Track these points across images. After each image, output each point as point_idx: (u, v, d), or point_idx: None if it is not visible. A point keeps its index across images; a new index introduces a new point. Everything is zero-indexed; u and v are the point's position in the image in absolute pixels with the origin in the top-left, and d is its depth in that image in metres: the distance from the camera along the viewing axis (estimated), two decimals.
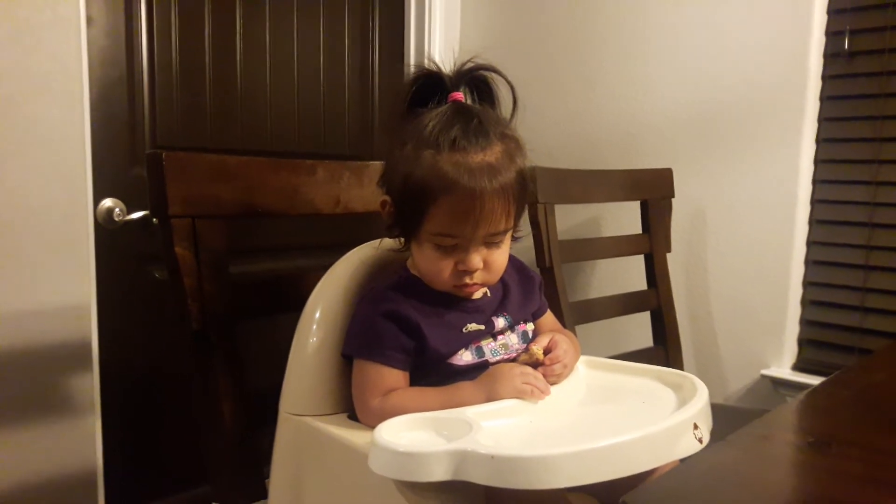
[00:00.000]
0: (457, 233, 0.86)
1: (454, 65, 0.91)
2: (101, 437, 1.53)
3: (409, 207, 0.87)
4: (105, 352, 1.53)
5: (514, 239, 0.95)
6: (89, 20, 1.47)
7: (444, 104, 0.89)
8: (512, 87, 0.93)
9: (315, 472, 0.92)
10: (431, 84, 0.90)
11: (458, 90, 0.90)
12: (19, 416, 1.42)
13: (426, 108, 0.90)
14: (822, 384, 0.67)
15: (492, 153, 0.86)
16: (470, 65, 0.91)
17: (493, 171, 0.85)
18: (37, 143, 1.40)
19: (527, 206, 1.47)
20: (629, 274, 1.90)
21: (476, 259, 0.88)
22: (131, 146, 1.58)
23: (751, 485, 0.47)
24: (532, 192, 1.47)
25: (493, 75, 0.93)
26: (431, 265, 0.89)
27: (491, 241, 0.89)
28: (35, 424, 1.44)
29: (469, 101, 0.92)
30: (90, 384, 1.50)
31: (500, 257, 0.91)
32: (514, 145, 0.89)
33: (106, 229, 1.54)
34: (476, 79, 0.92)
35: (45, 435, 1.45)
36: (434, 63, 0.91)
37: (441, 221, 0.85)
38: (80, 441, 1.50)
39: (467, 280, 0.89)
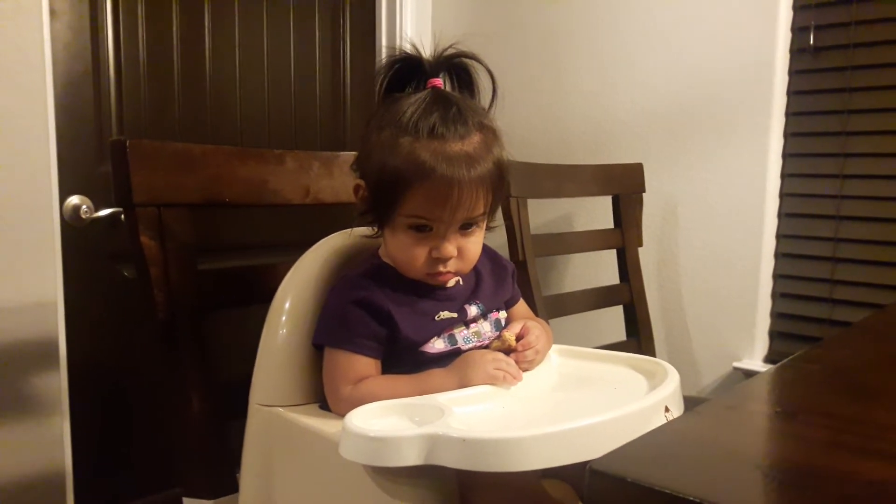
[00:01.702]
0: (432, 217, 0.85)
1: (434, 50, 0.90)
2: (70, 438, 1.50)
3: (385, 193, 0.86)
4: (73, 351, 1.50)
5: (487, 229, 0.95)
6: (53, 12, 1.44)
7: (423, 89, 0.89)
8: (492, 77, 0.92)
9: (286, 463, 0.91)
10: (410, 68, 0.89)
11: (437, 76, 0.89)
12: None
13: (404, 93, 0.89)
14: (790, 360, 0.68)
15: (470, 142, 0.85)
16: (451, 51, 0.90)
17: (471, 160, 0.84)
18: None
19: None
20: (602, 268, 1.91)
21: (450, 247, 0.87)
22: (98, 142, 1.55)
23: (717, 450, 0.47)
24: (507, 184, 1.48)
25: (474, 63, 0.92)
26: (405, 252, 0.88)
27: (466, 227, 0.88)
28: (1, 426, 1.41)
29: (448, 88, 0.91)
30: (57, 384, 1.47)
31: (473, 246, 0.90)
32: (491, 135, 0.89)
33: (73, 227, 1.51)
34: (456, 66, 0.91)
35: (11, 436, 1.42)
36: (413, 47, 0.90)
37: (416, 205, 0.85)
38: (48, 442, 1.47)
39: (441, 268, 0.89)
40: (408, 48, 0.90)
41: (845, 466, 0.44)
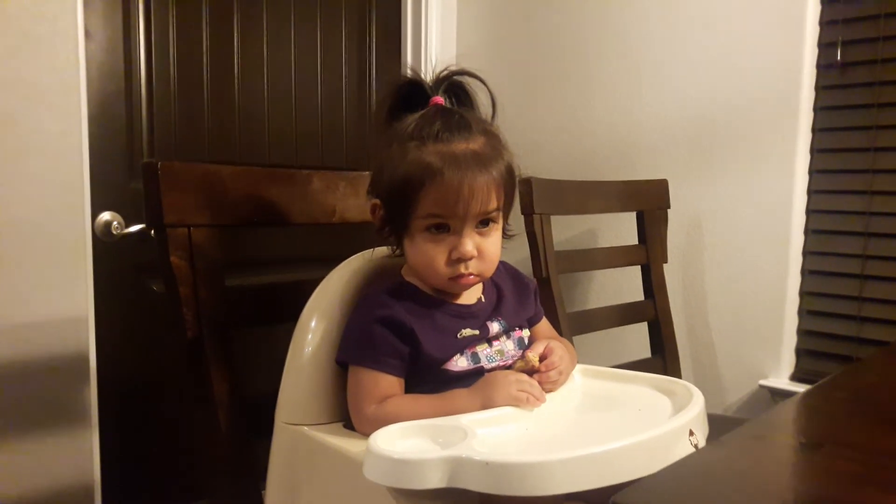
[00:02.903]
0: (447, 213, 0.87)
1: (433, 72, 0.94)
2: (99, 450, 1.53)
3: (398, 200, 0.88)
4: (103, 364, 1.53)
5: (506, 236, 0.96)
6: (87, 34, 1.48)
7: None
8: (489, 90, 0.95)
9: (311, 482, 0.92)
10: (414, 93, 0.92)
11: (437, 95, 0.92)
12: (16, 429, 1.41)
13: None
14: (816, 387, 0.67)
15: (475, 142, 0.88)
16: (446, 71, 0.93)
17: (479, 156, 0.87)
18: (35, 156, 1.40)
19: (523, 217, 1.49)
20: (626, 285, 1.91)
21: (469, 245, 0.88)
22: (129, 160, 1.59)
23: (743, 483, 0.47)
24: (525, 195, 1.48)
25: (474, 81, 0.95)
26: (425, 256, 0.89)
27: (482, 226, 0.89)
28: (32, 437, 1.43)
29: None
30: (88, 396, 1.50)
31: (492, 246, 0.91)
32: (497, 139, 0.91)
33: (104, 242, 1.54)
34: (454, 84, 0.94)
35: (42, 447, 1.45)
36: (414, 72, 0.93)
37: (430, 204, 0.86)
38: (77, 454, 1.49)
39: (462, 269, 0.89)
40: (410, 73, 0.93)
41: (874, 503, 0.44)
